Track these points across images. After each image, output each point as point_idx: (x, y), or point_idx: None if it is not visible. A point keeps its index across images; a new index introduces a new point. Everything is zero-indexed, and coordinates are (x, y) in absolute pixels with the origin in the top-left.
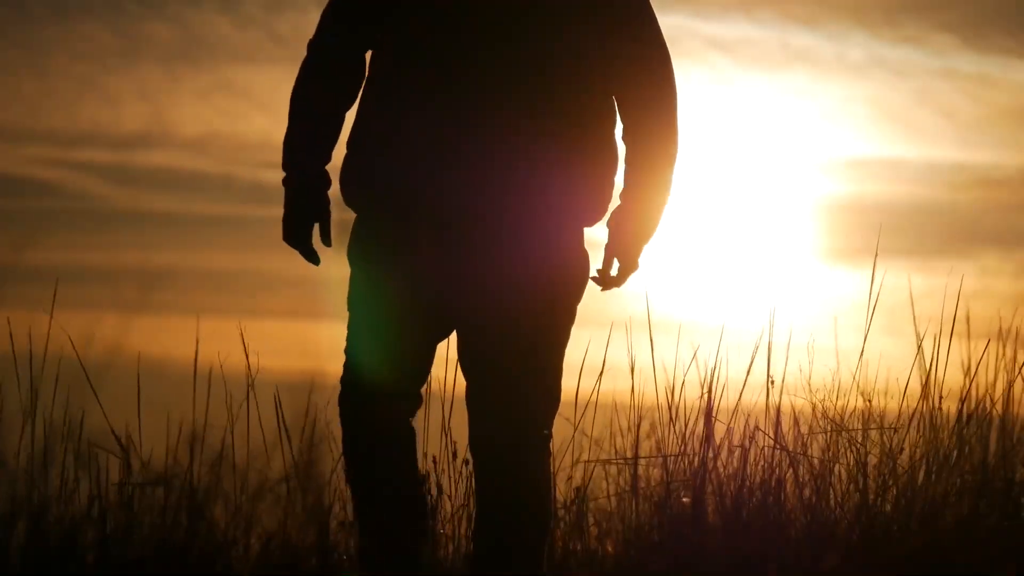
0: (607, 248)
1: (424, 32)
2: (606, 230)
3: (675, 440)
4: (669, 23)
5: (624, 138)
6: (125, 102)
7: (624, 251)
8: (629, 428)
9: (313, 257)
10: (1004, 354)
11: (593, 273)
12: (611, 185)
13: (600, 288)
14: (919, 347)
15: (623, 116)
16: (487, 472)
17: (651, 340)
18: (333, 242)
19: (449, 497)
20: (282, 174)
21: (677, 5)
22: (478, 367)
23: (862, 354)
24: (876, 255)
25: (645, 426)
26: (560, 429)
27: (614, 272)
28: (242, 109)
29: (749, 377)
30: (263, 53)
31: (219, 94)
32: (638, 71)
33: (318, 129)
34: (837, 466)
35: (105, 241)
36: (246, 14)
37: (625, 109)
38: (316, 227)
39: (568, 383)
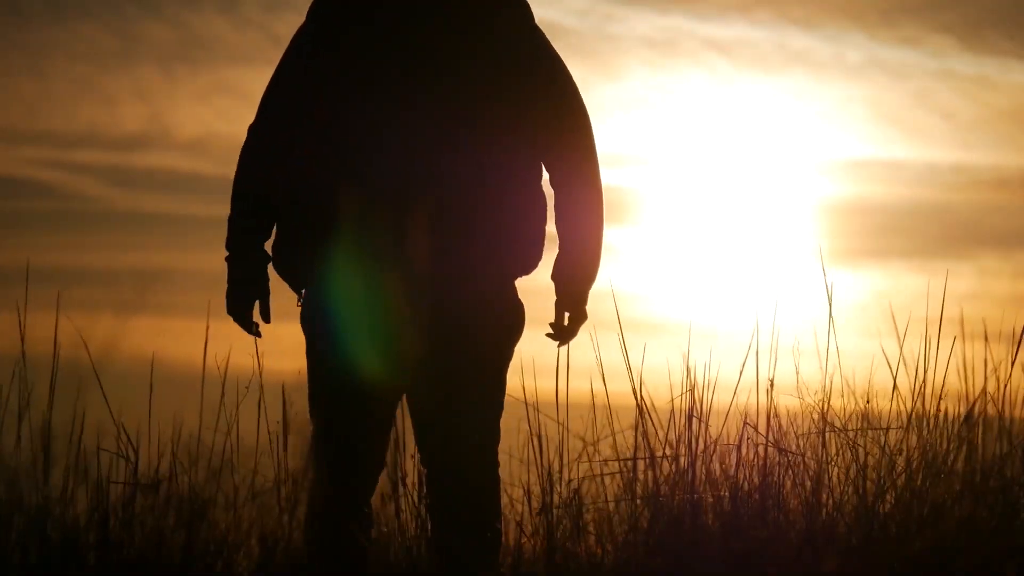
0: (557, 303)
1: (351, 113)
2: (552, 284)
3: (673, 441)
4: (667, 24)
5: (553, 185)
6: (123, 103)
7: (573, 303)
8: (626, 429)
9: (253, 330)
10: (1003, 355)
11: (547, 331)
12: (542, 234)
13: (557, 344)
14: (923, 349)
15: (549, 167)
16: (442, 503)
17: (629, 342)
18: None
19: None
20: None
21: (675, 6)
22: (421, 418)
23: (833, 352)
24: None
25: (643, 427)
26: (560, 430)
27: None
28: (240, 110)
29: (746, 379)
30: (261, 54)
31: (217, 95)
32: (560, 125)
33: (259, 212)
34: (835, 468)
35: (103, 242)
36: (244, 15)
37: (551, 161)
38: (257, 303)
39: (567, 384)
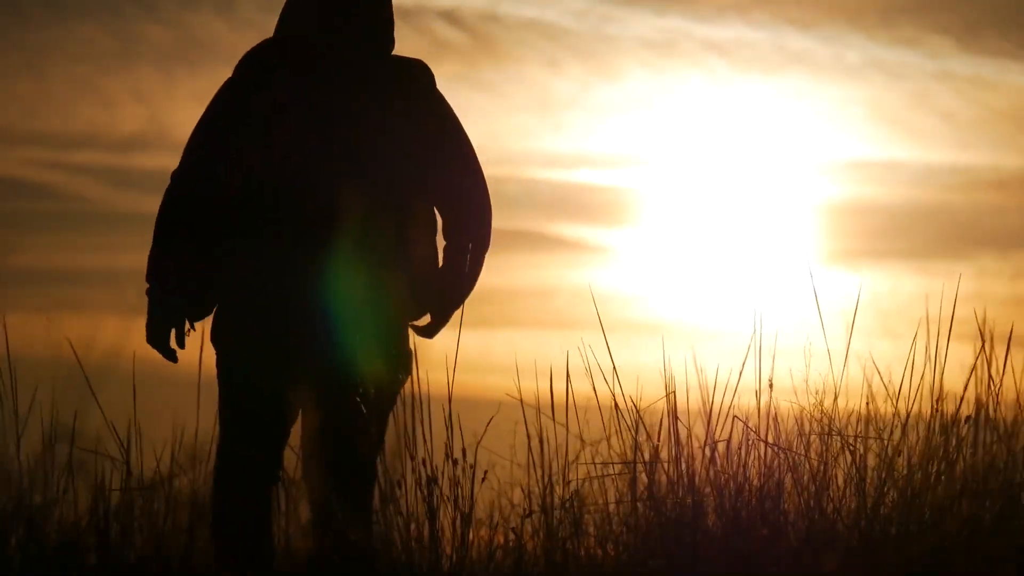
0: (428, 307)
1: (268, 175)
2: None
3: (672, 442)
4: (665, 26)
5: (445, 234)
6: (122, 104)
7: (441, 315)
8: (626, 430)
9: (172, 357)
10: (1002, 355)
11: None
12: (435, 285)
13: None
14: (922, 350)
15: (444, 215)
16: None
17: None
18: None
19: (447, 500)
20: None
21: (673, 7)
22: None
23: (832, 353)
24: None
25: (643, 428)
26: (557, 431)
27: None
28: None
29: (745, 379)
30: None
31: None
32: (456, 179)
33: (176, 252)
34: (835, 469)
35: (102, 243)
36: (242, 16)
37: (445, 209)
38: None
39: (567, 385)
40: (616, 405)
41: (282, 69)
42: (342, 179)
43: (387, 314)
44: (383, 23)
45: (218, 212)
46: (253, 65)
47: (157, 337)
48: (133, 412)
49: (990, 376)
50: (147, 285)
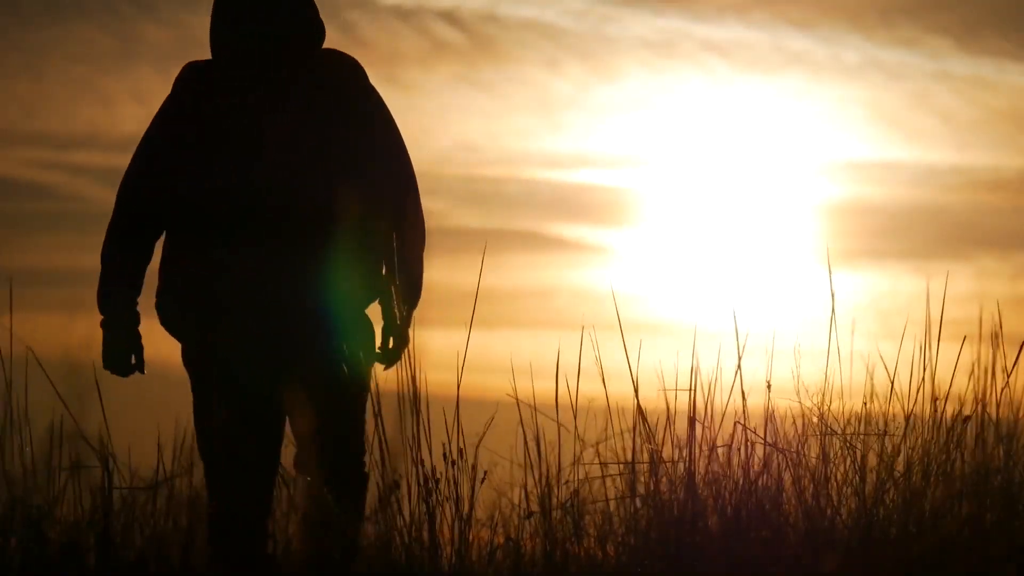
0: (384, 329)
1: (220, 155)
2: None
3: (672, 443)
4: (664, 26)
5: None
6: (121, 104)
7: (400, 330)
8: (626, 431)
9: (131, 372)
10: (1001, 356)
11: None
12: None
13: (384, 367)
14: (921, 350)
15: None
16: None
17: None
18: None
19: (448, 500)
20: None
21: (672, 8)
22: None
23: (832, 354)
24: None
25: (643, 429)
26: (557, 431)
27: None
28: None
29: (745, 381)
30: None
31: None
32: (387, 168)
33: (125, 280)
34: (835, 469)
35: (101, 244)
36: None
37: (378, 196)
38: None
39: (567, 385)
40: (641, 406)
41: (213, 91)
42: (277, 184)
43: (345, 308)
44: (302, 25)
45: (158, 225)
46: (189, 86)
47: (116, 366)
48: (132, 413)
49: (994, 374)
50: (100, 315)
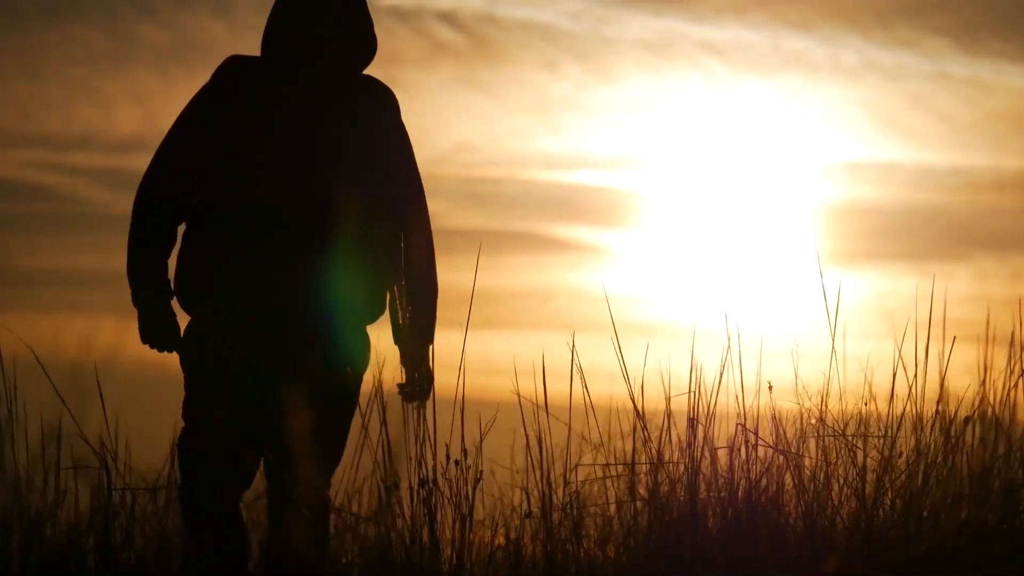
0: (404, 364)
1: (240, 187)
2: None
3: (672, 444)
4: (662, 27)
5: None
6: (119, 106)
7: (417, 362)
8: (627, 433)
9: (173, 347)
10: (1001, 356)
11: (397, 387)
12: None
13: (415, 405)
14: (921, 350)
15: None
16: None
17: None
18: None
19: (448, 500)
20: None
21: (670, 9)
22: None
23: (831, 355)
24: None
25: (641, 430)
26: (557, 432)
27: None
28: None
29: (744, 382)
30: None
31: None
32: (406, 192)
33: (153, 267)
34: (835, 470)
35: (99, 244)
36: (239, 18)
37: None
38: None
39: (566, 386)
40: (641, 408)
41: (258, 88)
42: (308, 189)
43: (350, 313)
44: (364, 37)
45: (183, 210)
46: (232, 79)
47: (155, 338)
48: (132, 413)
49: (992, 375)
50: (132, 292)
